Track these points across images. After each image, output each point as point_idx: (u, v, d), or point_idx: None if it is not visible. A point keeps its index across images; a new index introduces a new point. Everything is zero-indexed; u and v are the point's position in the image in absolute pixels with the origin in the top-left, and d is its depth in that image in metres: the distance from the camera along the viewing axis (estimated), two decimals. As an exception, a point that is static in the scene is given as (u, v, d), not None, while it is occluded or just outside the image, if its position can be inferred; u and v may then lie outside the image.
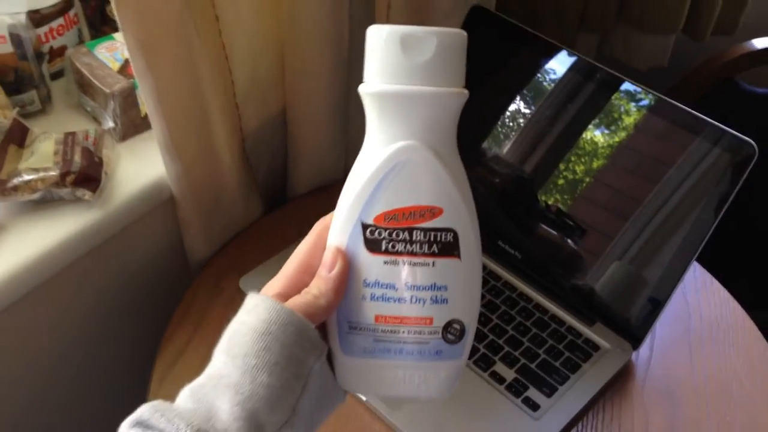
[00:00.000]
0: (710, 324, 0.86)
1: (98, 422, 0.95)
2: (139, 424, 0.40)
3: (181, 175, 0.82)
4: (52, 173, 0.77)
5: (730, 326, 0.86)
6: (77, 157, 0.79)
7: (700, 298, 0.89)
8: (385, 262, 0.42)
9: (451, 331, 0.43)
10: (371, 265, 0.42)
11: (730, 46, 1.15)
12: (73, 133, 0.82)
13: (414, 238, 0.41)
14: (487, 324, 0.81)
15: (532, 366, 0.78)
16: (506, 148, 0.87)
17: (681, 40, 1.24)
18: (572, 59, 0.84)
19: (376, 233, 0.42)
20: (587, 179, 0.82)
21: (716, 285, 0.90)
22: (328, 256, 0.43)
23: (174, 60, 0.75)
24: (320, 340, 0.43)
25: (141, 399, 0.76)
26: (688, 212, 0.76)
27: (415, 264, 0.42)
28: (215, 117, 0.82)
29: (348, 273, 0.43)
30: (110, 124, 0.86)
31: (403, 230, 0.41)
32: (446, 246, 0.42)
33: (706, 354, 0.82)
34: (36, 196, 0.77)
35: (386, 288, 0.42)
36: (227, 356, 0.42)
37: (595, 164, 0.81)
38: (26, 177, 0.77)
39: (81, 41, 0.95)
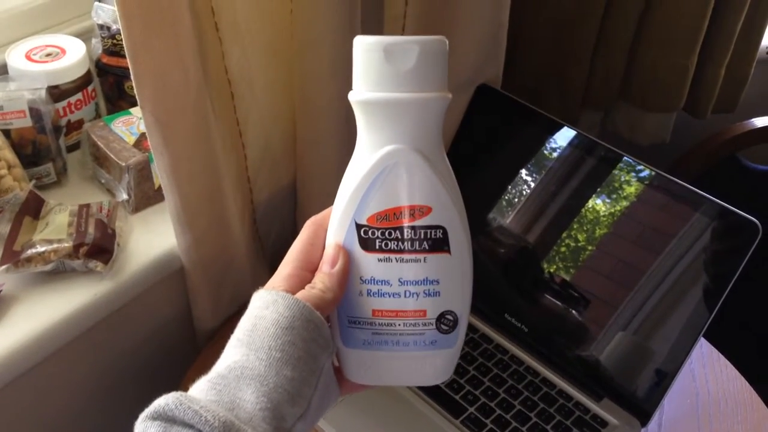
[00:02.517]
0: (718, 400, 0.85)
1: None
2: (160, 416, 0.40)
3: (191, 246, 0.84)
4: (66, 244, 0.79)
5: (738, 403, 0.85)
6: (91, 229, 0.81)
7: (707, 373, 0.88)
8: (379, 260, 0.45)
9: (445, 322, 0.45)
10: (367, 263, 0.45)
11: (731, 123, 1.18)
12: (87, 205, 0.84)
13: (405, 236, 0.44)
14: (494, 399, 0.81)
15: (540, 443, 0.77)
16: (511, 219, 0.88)
17: (682, 116, 1.27)
18: (574, 135, 0.86)
19: (370, 233, 0.44)
20: (590, 249, 0.83)
21: (723, 361, 0.90)
22: (329, 253, 0.45)
23: (190, 136, 0.77)
24: (331, 339, 0.45)
25: None
26: (693, 285, 0.77)
27: (407, 260, 0.44)
28: (227, 189, 0.84)
29: (349, 268, 0.45)
30: (124, 196, 0.87)
31: (395, 229, 0.44)
32: (436, 242, 0.44)
33: (714, 431, 0.81)
34: (49, 267, 0.79)
35: (381, 284, 0.45)
36: (248, 349, 0.43)
37: (598, 234, 0.83)
38: (40, 248, 0.78)
39: (98, 115, 0.98)
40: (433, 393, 0.81)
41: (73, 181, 0.93)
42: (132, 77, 0.70)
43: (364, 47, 0.43)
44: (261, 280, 0.98)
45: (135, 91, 0.72)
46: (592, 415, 0.80)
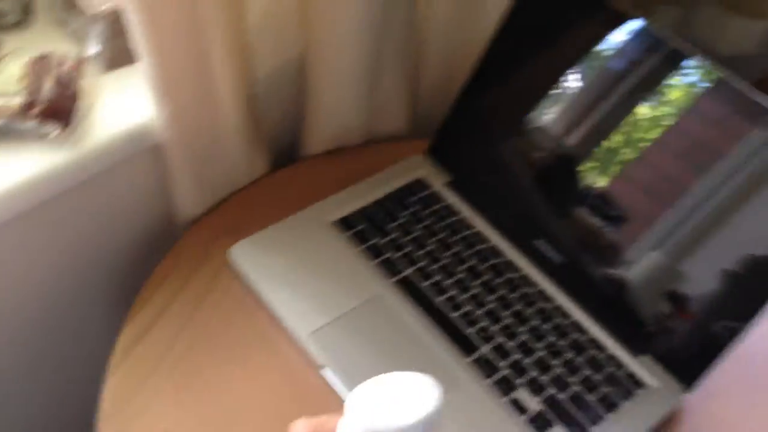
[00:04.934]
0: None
1: (57, 384, 0.85)
2: None
3: (171, 118, 0.69)
4: (15, 101, 0.64)
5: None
6: (48, 86, 0.66)
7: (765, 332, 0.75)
8: None
9: None
10: None
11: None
12: (46, 56, 0.69)
13: None
14: (512, 338, 0.68)
15: (562, 398, 0.65)
16: (553, 121, 0.72)
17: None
18: (639, 28, 0.68)
19: None
20: (636, 158, 0.67)
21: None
22: None
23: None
24: None
25: (101, 366, 0.66)
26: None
27: None
28: (218, 54, 0.68)
29: None
30: (94, 49, 0.72)
31: None
32: None
33: (768, 405, 0.69)
34: (-6, 126, 0.65)
35: None
36: None
37: (643, 142, 0.67)
38: (-16, 102, 0.64)
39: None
40: (443, 324, 0.69)
41: (39, 24, 0.77)
42: None
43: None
44: (256, 167, 0.85)
45: None
46: (626, 371, 0.67)
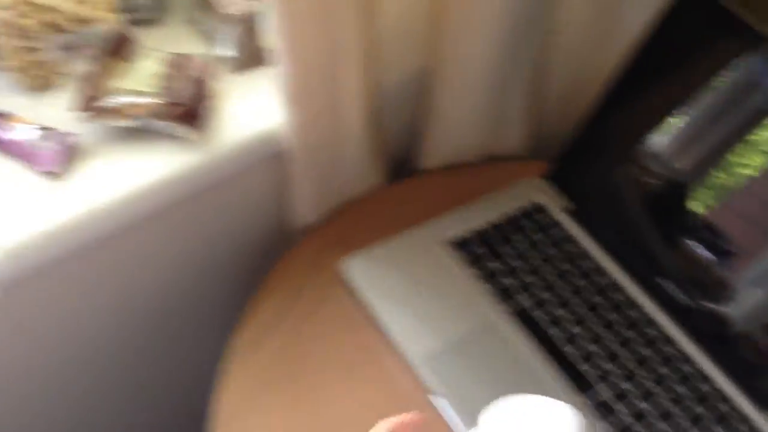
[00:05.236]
0: None
1: (168, 380, 0.86)
2: None
3: (302, 126, 0.69)
4: (155, 100, 0.65)
5: None
6: (185, 87, 0.66)
7: None
8: None
9: None
10: None
11: None
12: (184, 57, 0.69)
13: None
14: (631, 381, 0.66)
15: (683, 450, 0.62)
16: (677, 150, 0.69)
17: None
18: None
19: None
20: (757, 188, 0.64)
21: None
22: None
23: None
24: None
25: (211, 371, 0.66)
26: None
27: None
28: (350, 63, 0.67)
29: None
30: (225, 51, 0.72)
31: None
32: None
33: None
34: (132, 123, 0.65)
35: None
36: None
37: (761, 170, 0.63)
38: (125, 99, 0.65)
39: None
40: (558, 358, 0.67)
41: (171, 21, 0.78)
42: None
43: None
44: (372, 178, 0.84)
45: None
46: (751, 427, 0.64)
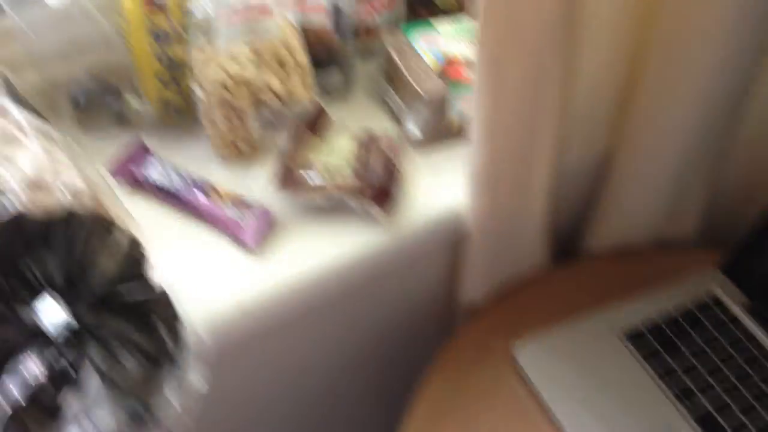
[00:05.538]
0: None
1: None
2: None
3: (487, 210, 0.69)
4: (350, 180, 0.67)
5: None
6: (377, 166, 0.68)
7: None
8: None
9: None
10: None
11: None
12: (375, 135, 0.71)
13: None
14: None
15: None
16: None
17: None
18: None
19: None
20: None
21: None
22: None
23: (522, 79, 0.61)
24: None
25: None
26: None
27: None
28: (543, 149, 0.68)
29: None
30: (414, 130, 0.73)
31: None
32: None
33: None
34: (326, 201, 0.67)
35: None
36: None
37: None
38: (320, 177, 0.67)
39: (396, 24, 0.83)
40: (700, 416, 0.64)
41: (357, 95, 0.80)
42: (480, 9, 0.55)
43: None
44: (540, 259, 0.79)
45: (477, 24, 0.56)
46: None
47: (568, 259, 0.84)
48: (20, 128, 0.54)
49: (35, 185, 0.51)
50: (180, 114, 0.72)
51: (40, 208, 0.51)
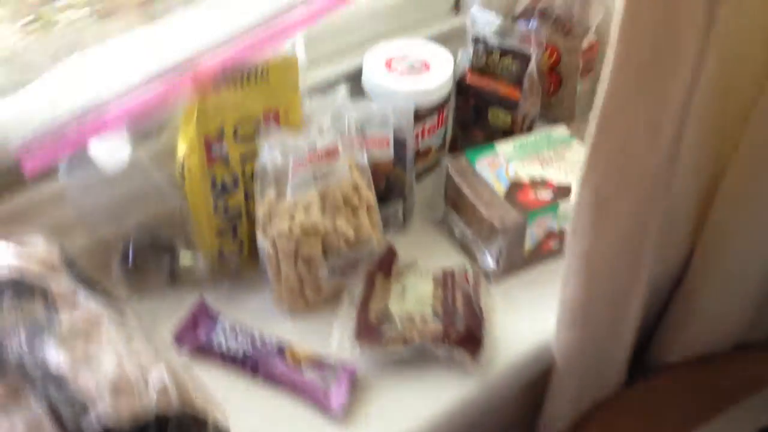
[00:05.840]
0: None
1: None
2: None
3: (577, 344, 0.64)
4: (433, 325, 0.61)
5: None
6: (460, 307, 0.63)
7: None
8: None
9: None
10: None
11: None
12: (452, 273, 0.66)
13: None
14: None
15: None
16: None
17: None
18: None
19: None
20: None
21: None
22: None
23: (624, 219, 0.57)
24: None
25: None
26: None
27: None
28: (640, 280, 0.63)
29: None
30: (490, 263, 0.69)
31: None
32: None
33: None
34: (408, 350, 0.62)
35: None
36: None
37: None
38: (399, 325, 0.62)
39: (444, 143, 0.80)
40: None
41: (414, 223, 0.76)
42: (588, 145, 0.51)
43: None
44: (618, 378, 0.73)
45: (583, 162, 0.52)
46: None
47: (640, 369, 0.79)
48: (95, 320, 0.48)
49: (118, 389, 0.45)
50: (237, 266, 0.67)
51: (127, 414, 0.45)
